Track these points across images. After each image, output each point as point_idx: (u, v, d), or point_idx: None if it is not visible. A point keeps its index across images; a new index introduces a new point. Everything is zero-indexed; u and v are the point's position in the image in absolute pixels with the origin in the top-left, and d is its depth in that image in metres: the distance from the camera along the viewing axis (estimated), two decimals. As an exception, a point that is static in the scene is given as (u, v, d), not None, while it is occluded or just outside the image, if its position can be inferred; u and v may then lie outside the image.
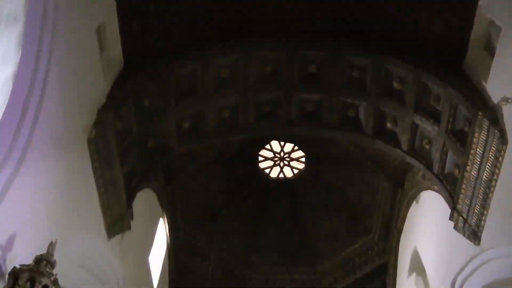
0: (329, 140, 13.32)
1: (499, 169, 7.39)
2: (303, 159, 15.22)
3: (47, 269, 4.76)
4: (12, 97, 5.52)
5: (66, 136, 7.18)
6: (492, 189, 7.58)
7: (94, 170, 8.10)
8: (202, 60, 9.48)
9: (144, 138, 9.52)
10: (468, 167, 8.05)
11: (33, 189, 6.16)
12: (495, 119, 7.39)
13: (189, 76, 9.56)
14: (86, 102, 7.82)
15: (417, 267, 12.12)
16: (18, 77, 5.63)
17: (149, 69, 9.05)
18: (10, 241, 5.46)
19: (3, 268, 5.17)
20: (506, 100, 7.15)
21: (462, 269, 8.74)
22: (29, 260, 4.98)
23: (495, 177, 7.47)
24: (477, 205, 7.96)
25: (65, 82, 7.03)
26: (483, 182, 7.74)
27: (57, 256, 5.17)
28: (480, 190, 7.82)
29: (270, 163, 15.38)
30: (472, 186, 8.02)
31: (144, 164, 9.81)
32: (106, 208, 8.59)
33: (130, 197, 9.48)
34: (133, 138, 9.17)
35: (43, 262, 4.80)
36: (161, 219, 13.08)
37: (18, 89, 5.70)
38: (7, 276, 4.80)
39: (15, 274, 4.65)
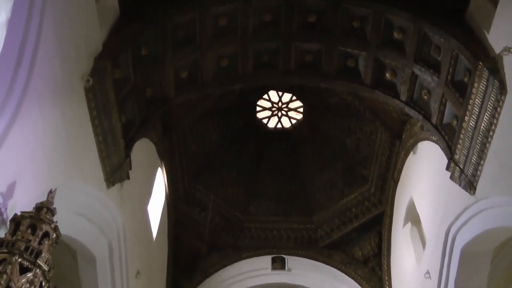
0: (327, 91, 13.28)
1: (497, 119, 7.40)
2: (301, 109, 15.18)
3: (48, 217, 4.80)
4: (6, 44, 5.43)
5: (63, 85, 7.11)
6: (489, 139, 7.62)
7: (92, 119, 8.08)
8: (200, 8, 9.30)
9: (142, 87, 9.45)
10: (466, 118, 8.06)
11: (31, 138, 6.16)
12: (496, 69, 7.34)
13: (186, 24, 9.40)
14: (83, 50, 7.72)
15: (412, 217, 12.34)
16: (11, 24, 5.52)
17: (145, 17, 8.89)
18: (10, 189, 5.51)
19: (5, 215, 5.24)
20: (508, 50, 7.08)
21: (456, 219, 8.89)
22: (29, 208, 5.03)
23: (493, 127, 7.49)
24: (474, 155, 8.01)
25: (61, 31, 6.92)
26: (481, 132, 7.77)
27: (56, 205, 5.22)
28: (478, 140, 7.86)
29: (268, 113, 15.36)
30: (470, 136, 8.06)
31: (142, 114, 9.78)
32: (104, 157, 8.61)
33: (128, 147, 9.50)
34: (131, 87, 9.10)
35: (43, 210, 4.84)
36: (159, 169, 13.16)
37: (12, 36, 5.61)
38: (8, 223, 4.86)
39: (16, 221, 4.70)
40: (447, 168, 8.89)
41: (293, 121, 15.46)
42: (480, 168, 7.93)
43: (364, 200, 14.88)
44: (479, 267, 9.01)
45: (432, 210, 10.45)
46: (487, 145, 7.68)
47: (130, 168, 9.69)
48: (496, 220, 7.76)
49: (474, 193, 8.15)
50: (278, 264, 15.50)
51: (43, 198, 5.18)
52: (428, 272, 10.50)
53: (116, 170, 9.09)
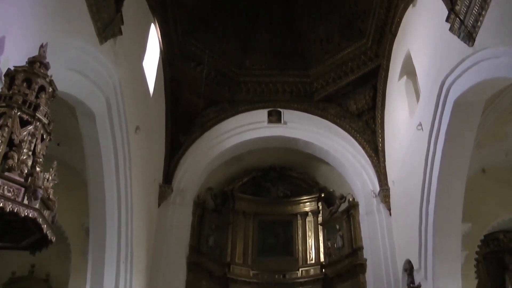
0: None
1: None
2: (298, -40, 14.43)
3: (42, 71, 4.76)
4: None
5: None
6: (493, -12, 7.32)
7: (79, -29, 7.69)
8: None
9: None
10: (470, -35, 7.67)
11: (16, -8, 5.90)
12: None
13: None
14: None
15: (408, 70, 12.35)
16: None
17: None
18: (0, 44, 5.40)
19: (-2, 70, 5.20)
20: None
21: (452, 71, 8.89)
22: (22, 63, 4.97)
23: (497, -25, 7.16)
24: (476, 6, 7.76)
25: None
26: (484, -19, 7.45)
27: (49, 60, 5.15)
28: (481, -10, 7.56)
29: (264, -36, 14.62)
30: (473, -15, 7.74)
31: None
32: (94, 12, 8.32)
33: (119, 1, 9.16)
34: None
35: (37, 64, 4.78)
36: (152, 25, 12.83)
37: None
38: (3, 77, 4.83)
39: (11, 75, 4.67)
40: (447, 20, 8.67)
41: (290, -28, 14.77)
42: (481, 19, 7.71)
43: (360, 54, 14.75)
44: (470, 119, 9.22)
45: (428, 63, 10.41)
46: (490, -5, 7.39)
47: (122, 23, 9.46)
48: (492, 70, 7.74)
49: (472, 45, 8.04)
50: (274, 117, 15.85)
51: (35, 53, 5.10)
52: (420, 124, 10.77)
53: (107, 26, 8.86)
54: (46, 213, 4.35)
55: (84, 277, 10.54)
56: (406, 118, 12.35)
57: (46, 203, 4.36)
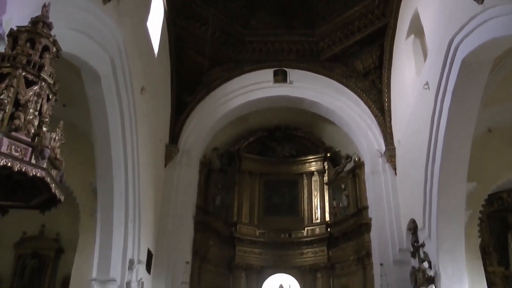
0: None
1: None
2: None
3: (45, 30, 4.72)
4: None
5: None
6: None
7: None
8: None
9: None
10: None
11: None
12: None
13: None
14: None
15: (416, 29, 12.18)
16: None
17: None
18: (2, 4, 5.35)
19: (1, 31, 5.16)
20: None
21: (460, 29, 8.74)
22: (25, 23, 4.93)
23: None
24: (485, -39, 7.58)
25: None
26: None
27: (52, 20, 5.10)
28: None
29: None
30: None
31: None
32: (97, -30, 8.22)
33: (122, -41, 9.02)
34: None
35: (40, 24, 4.73)
36: (156, -17, 12.64)
37: None
38: (6, 38, 4.80)
39: (14, 35, 4.64)
40: (456, -24, 8.49)
41: None
42: (490, -26, 7.56)
43: (367, 12, 14.49)
44: (477, 78, 9.11)
45: (436, 22, 10.23)
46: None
47: (125, -18, 9.32)
48: (501, 29, 7.60)
49: (482, 2, 7.86)
50: (280, 77, 15.75)
51: (38, 14, 5.04)
52: (427, 84, 10.69)
53: (110, -16, 8.74)
54: (53, 172, 4.40)
55: (93, 236, 10.74)
56: (413, 77, 12.25)
57: (53, 163, 4.40)
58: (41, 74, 4.46)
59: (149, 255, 12.39)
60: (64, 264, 14.27)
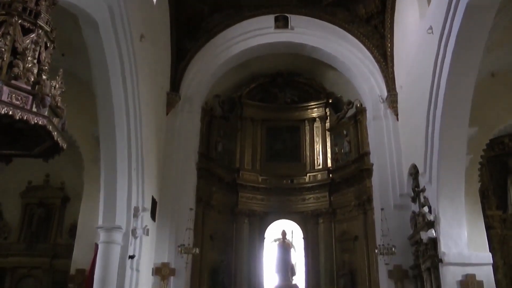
0: None
1: None
2: None
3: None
4: None
5: None
6: None
7: None
8: None
9: None
10: None
11: None
12: None
13: None
14: None
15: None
16: None
17: None
18: None
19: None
20: None
21: (466, -30, 8.52)
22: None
23: None
24: None
25: None
26: None
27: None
28: None
29: None
30: None
31: None
32: None
33: None
34: None
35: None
36: None
37: None
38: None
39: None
40: None
41: None
42: None
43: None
44: (482, 22, 8.92)
45: (441, -38, 9.95)
46: None
47: None
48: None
49: None
50: (281, 22, 15.48)
51: None
52: (431, 28, 10.51)
53: None
54: (55, 120, 4.41)
55: (97, 185, 10.88)
56: (416, 21, 12.03)
57: (54, 111, 4.40)
58: (38, 21, 4.40)
59: (154, 202, 12.60)
60: (70, 212, 14.54)
